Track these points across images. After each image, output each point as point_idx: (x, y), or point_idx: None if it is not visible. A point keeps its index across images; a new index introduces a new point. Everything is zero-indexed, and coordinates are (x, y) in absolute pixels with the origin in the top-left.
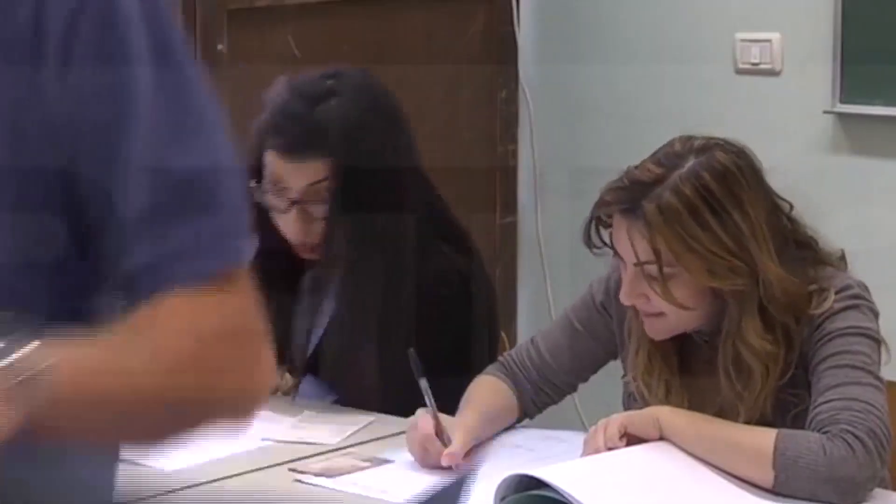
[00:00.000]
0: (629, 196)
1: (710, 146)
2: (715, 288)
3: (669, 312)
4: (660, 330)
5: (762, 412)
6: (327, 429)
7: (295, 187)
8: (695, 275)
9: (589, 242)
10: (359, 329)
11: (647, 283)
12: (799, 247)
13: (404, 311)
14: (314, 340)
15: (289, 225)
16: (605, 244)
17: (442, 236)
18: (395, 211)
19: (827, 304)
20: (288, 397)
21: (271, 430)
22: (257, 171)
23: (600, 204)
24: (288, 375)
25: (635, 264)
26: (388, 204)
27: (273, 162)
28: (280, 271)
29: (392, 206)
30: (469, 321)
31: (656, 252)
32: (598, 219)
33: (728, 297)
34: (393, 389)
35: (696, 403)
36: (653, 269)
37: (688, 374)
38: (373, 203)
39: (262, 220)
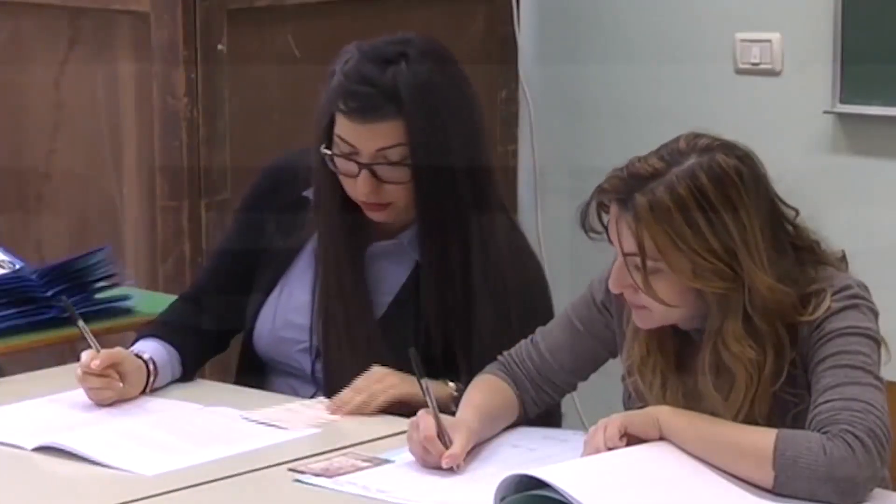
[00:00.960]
0: (625, 187)
1: (713, 147)
2: (699, 289)
3: (652, 307)
4: (644, 320)
5: (760, 413)
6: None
7: (366, 151)
8: (678, 273)
9: (584, 226)
10: (449, 294)
11: (632, 275)
12: (800, 250)
13: (492, 276)
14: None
15: (359, 187)
16: (606, 228)
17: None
18: (469, 174)
19: (821, 311)
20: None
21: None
22: (328, 137)
23: (599, 191)
24: (452, 385)
25: (623, 255)
26: (463, 168)
27: (344, 125)
28: (349, 241)
29: (466, 169)
30: (546, 285)
31: (640, 246)
32: (600, 203)
33: (711, 300)
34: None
35: (691, 399)
36: (638, 261)
37: (684, 369)
38: (449, 166)
39: (333, 188)
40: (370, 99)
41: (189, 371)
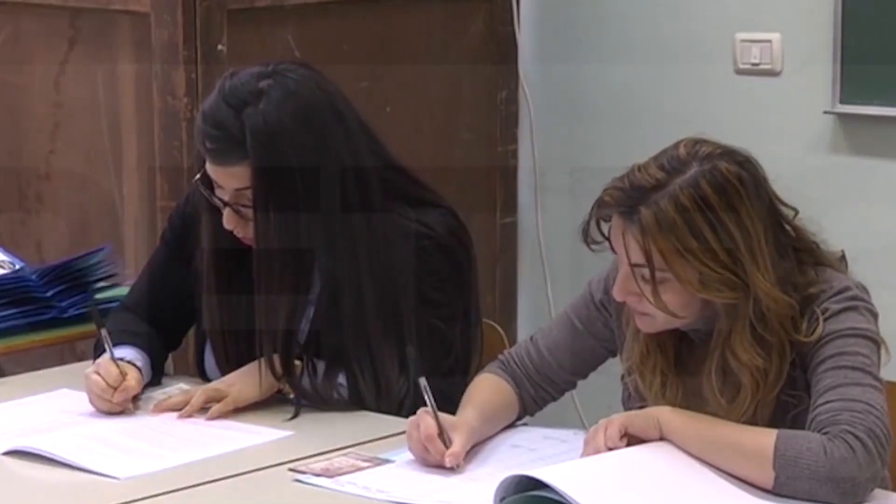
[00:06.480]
0: (628, 199)
1: (714, 155)
2: (706, 298)
3: (657, 315)
4: (648, 326)
5: (761, 418)
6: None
7: (226, 189)
8: (686, 284)
9: (587, 240)
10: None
11: (640, 285)
12: (799, 251)
13: (363, 287)
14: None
15: (227, 222)
16: (605, 237)
17: (409, 203)
18: (326, 210)
19: (817, 335)
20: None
21: None
22: (202, 167)
23: (600, 204)
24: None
25: (630, 265)
26: (314, 205)
27: (207, 163)
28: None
29: (321, 206)
30: (438, 272)
31: (648, 258)
32: (601, 214)
33: (720, 308)
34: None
35: (691, 399)
36: (645, 272)
37: (683, 369)
38: (297, 205)
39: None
40: (220, 143)
41: (157, 374)
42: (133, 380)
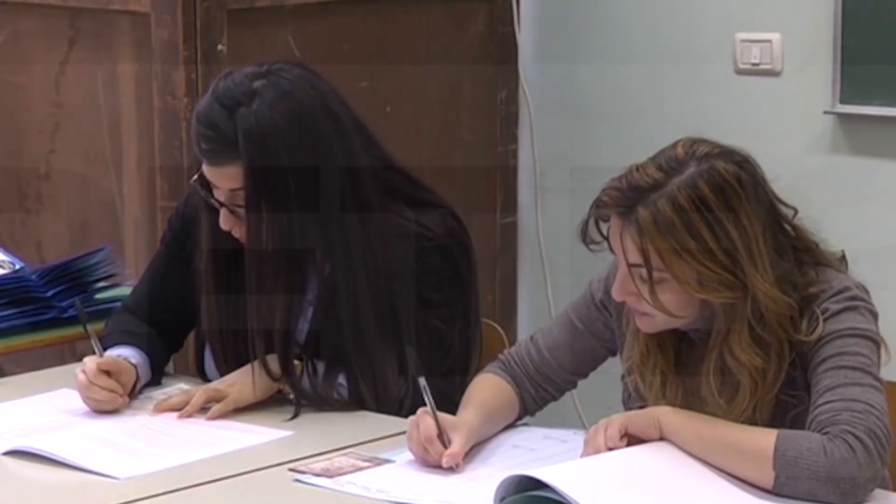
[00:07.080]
0: (625, 199)
1: (712, 154)
2: (704, 299)
3: (657, 315)
4: (648, 326)
5: (761, 418)
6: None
7: (221, 189)
8: (684, 284)
9: (585, 240)
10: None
11: (638, 285)
12: (799, 251)
13: (358, 286)
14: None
15: (223, 222)
16: (604, 237)
17: (409, 203)
18: (319, 211)
19: (817, 334)
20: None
21: None
22: (200, 167)
23: (598, 204)
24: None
25: (628, 265)
26: (308, 205)
27: (203, 164)
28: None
29: (314, 207)
30: (437, 272)
31: (646, 258)
32: (599, 215)
33: (718, 308)
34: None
35: (691, 399)
36: (643, 272)
37: (684, 369)
38: (289, 206)
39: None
40: (214, 144)
41: (157, 374)
42: (110, 360)
